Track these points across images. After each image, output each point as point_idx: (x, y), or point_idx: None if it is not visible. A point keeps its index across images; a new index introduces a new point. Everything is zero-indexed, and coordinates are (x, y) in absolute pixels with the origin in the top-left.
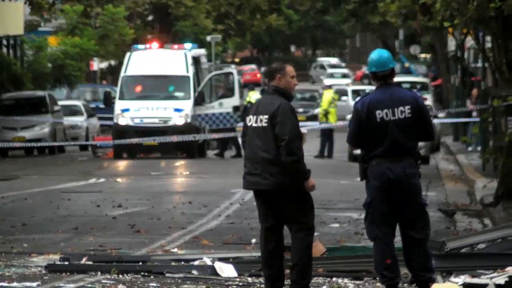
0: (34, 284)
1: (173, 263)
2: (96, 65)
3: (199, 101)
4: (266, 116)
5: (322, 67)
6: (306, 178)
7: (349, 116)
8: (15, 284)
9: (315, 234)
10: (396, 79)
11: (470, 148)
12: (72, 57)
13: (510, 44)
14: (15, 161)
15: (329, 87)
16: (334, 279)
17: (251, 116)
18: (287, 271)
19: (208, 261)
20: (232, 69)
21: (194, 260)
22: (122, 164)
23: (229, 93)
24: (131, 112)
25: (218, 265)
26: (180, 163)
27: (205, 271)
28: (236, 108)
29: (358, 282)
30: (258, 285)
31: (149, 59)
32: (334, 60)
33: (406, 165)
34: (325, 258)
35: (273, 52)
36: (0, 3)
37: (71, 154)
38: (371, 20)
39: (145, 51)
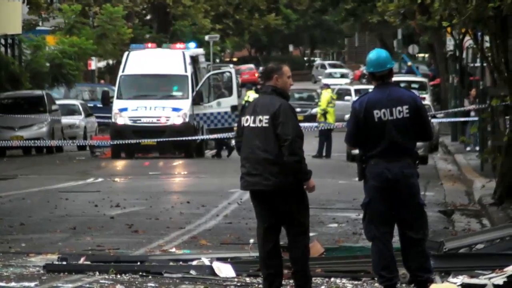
0: (32, 284)
1: (171, 263)
2: (94, 64)
3: (197, 100)
4: (267, 117)
5: (323, 66)
6: (307, 178)
7: (347, 116)
8: (13, 284)
9: (314, 234)
10: (394, 78)
11: (468, 148)
12: (70, 57)
13: (508, 43)
14: (13, 161)
15: (328, 86)
16: (332, 279)
17: (248, 117)
18: (285, 271)
19: (206, 261)
20: (230, 68)
21: (192, 260)
22: (120, 164)
23: (227, 92)
24: (129, 111)
25: (216, 265)
26: (178, 162)
27: (203, 271)
28: (234, 108)
29: (356, 282)
30: (256, 285)
31: (147, 58)
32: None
33: (404, 165)
34: (323, 258)
35: (271, 51)
36: None
37: (69, 153)
38: (370, 19)
39: (143, 51)
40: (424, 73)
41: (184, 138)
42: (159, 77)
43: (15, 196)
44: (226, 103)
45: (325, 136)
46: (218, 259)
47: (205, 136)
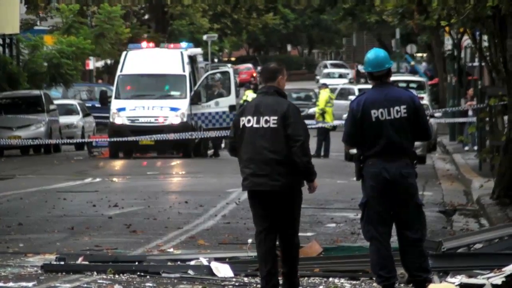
0: (30, 284)
1: (169, 263)
2: (92, 64)
3: (195, 100)
4: (275, 117)
5: (326, 66)
6: (313, 179)
7: (345, 116)
8: (11, 284)
9: (312, 234)
10: (392, 78)
11: (466, 148)
12: (68, 56)
13: (507, 43)
14: (10, 161)
15: (326, 86)
16: (330, 279)
17: (249, 117)
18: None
19: (204, 261)
20: (228, 68)
21: (190, 260)
22: (118, 164)
23: (226, 92)
24: (127, 111)
25: (214, 265)
26: (176, 162)
27: (201, 271)
28: (232, 108)
29: (354, 282)
30: (254, 285)
31: (145, 58)
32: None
33: (402, 165)
34: (322, 258)
35: (269, 51)
36: None
37: (67, 153)
38: (368, 19)
39: (141, 50)
40: (426, 72)
41: (180, 137)
42: (157, 77)
43: (13, 196)
44: (224, 103)
45: (323, 135)
46: (216, 259)
47: (202, 134)
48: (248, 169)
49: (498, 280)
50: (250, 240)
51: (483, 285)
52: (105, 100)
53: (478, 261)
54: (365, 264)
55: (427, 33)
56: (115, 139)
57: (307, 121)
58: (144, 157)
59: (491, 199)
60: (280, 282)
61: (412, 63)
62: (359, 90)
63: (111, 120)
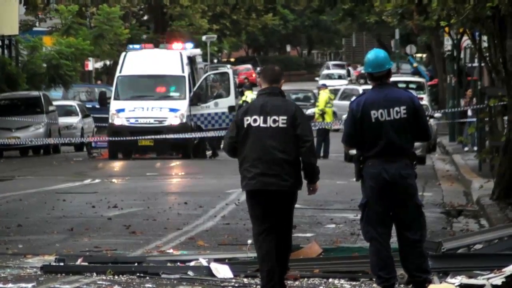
0: (30, 285)
1: (168, 264)
2: (91, 65)
3: (195, 101)
4: (284, 117)
5: (328, 67)
6: (316, 181)
7: (345, 116)
8: (10, 285)
9: (311, 235)
10: (392, 79)
11: (466, 148)
12: (67, 57)
13: (506, 43)
14: (10, 162)
15: (325, 87)
16: (330, 280)
17: (256, 117)
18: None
19: (204, 262)
20: (228, 69)
21: (190, 261)
22: (117, 165)
23: (225, 93)
24: (126, 112)
25: (214, 266)
26: (175, 163)
27: (200, 272)
28: (231, 108)
29: (354, 283)
30: (254, 285)
31: (144, 59)
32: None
33: (402, 166)
34: (321, 258)
35: (269, 51)
36: None
37: (66, 154)
38: (367, 19)
39: (140, 51)
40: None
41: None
42: (156, 78)
43: (12, 198)
44: (223, 104)
45: (323, 136)
46: (216, 260)
47: (200, 134)
48: (256, 168)
49: (498, 280)
50: (249, 241)
51: (483, 285)
52: (104, 101)
53: (478, 262)
54: (365, 265)
55: (427, 34)
56: (114, 138)
57: None
58: (144, 158)
59: (491, 200)
60: None
61: (415, 64)
62: (363, 90)
63: (110, 121)
